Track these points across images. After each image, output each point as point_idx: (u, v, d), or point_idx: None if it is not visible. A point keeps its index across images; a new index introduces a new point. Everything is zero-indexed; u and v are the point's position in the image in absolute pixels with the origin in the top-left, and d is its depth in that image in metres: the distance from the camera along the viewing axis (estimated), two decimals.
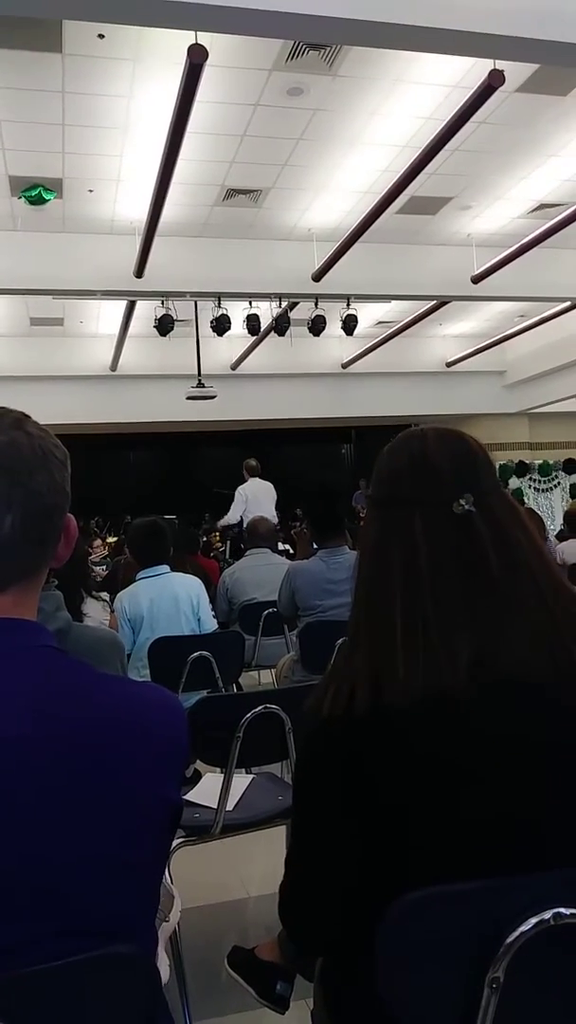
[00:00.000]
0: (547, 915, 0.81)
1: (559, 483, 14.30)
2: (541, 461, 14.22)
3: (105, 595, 3.43)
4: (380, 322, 10.97)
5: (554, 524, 11.27)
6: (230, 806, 2.11)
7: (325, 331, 8.72)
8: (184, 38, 4.40)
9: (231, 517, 8.32)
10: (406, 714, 0.90)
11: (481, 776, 0.90)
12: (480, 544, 0.97)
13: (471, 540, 0.97)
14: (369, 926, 0.82)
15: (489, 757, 0.91)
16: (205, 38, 4.43)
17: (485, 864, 0.88)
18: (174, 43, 4.58)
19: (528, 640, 0.93)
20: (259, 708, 2.01)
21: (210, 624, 3.49)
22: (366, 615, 1.00)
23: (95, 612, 3.04)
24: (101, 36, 4.70)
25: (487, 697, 0.91)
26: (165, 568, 3.38)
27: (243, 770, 2.42)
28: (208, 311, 8.51)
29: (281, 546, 7.91)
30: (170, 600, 3.32)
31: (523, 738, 0.91)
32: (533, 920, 0.81)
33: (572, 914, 0.81)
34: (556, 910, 0.81)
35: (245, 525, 5.95)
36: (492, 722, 0.91)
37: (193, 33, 4.35)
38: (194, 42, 4.40)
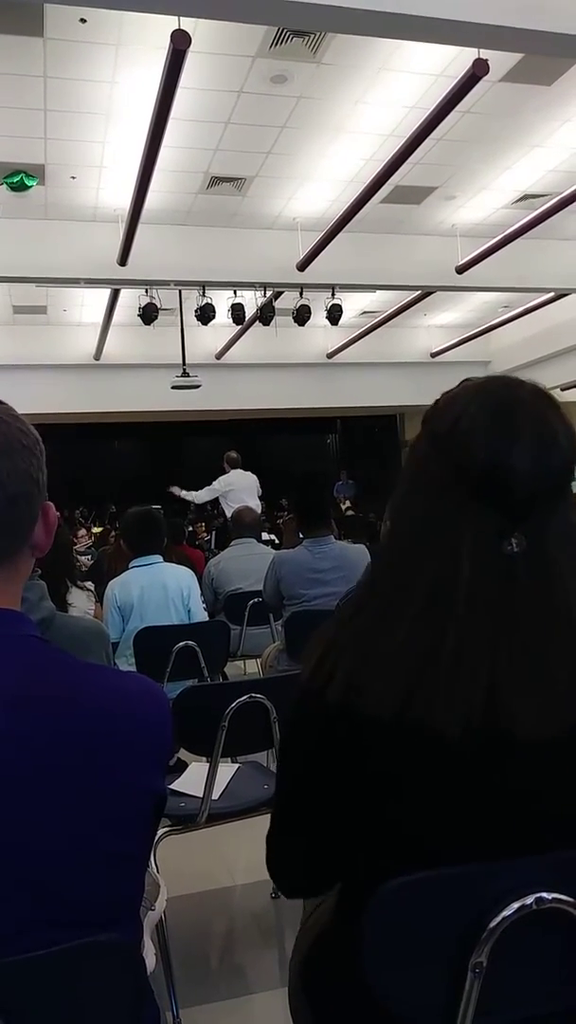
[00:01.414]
0: (529, 899, 0.82)
1: None
2: None
3: (90, 585, 3.42)
4: (365, 312, 10.96)
5: None
6: (216, 795, 2.11)
7: (310, 321, 8.71)
8: (167, 23, 4.36)
9: (197, 496, 8.35)
10: (375, 726, 0.86)
11: (468, 762, 0.89)
12: (519, 591, 0.88)
13: (511, 585, 0.88)
14: (354, 911, 0.83)
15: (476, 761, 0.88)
16: (188, 23, 4.39)
17: (478, 843, 0.88)
18: (157, 28, 4.54)
19: (542, 703, 0.85)
20: (244, 697, 2.01)
21: (200, 615, 3.49)
22: (377, 598, 0.93)
23: (80, 602, 3.03)
24: (83, 20, 4.65)
25: (484, 746, 0.86)
26: (158, 558, 3.38)
27: (229, 759, 2.43)
28: (192, 300, 8.48)
29: (266, 536, 7.92)
30: (160, 589, 3.32)
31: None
32: (515, 904, 0.81)
33: (554, 898, 0.82)
34: (538, 894, 0.82)
35: (230, 515, 5.95)
36: (481, 766, 0.87)
37: (176, 18, 4.31)
38: (177, 28, 4.36)
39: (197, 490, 8.49)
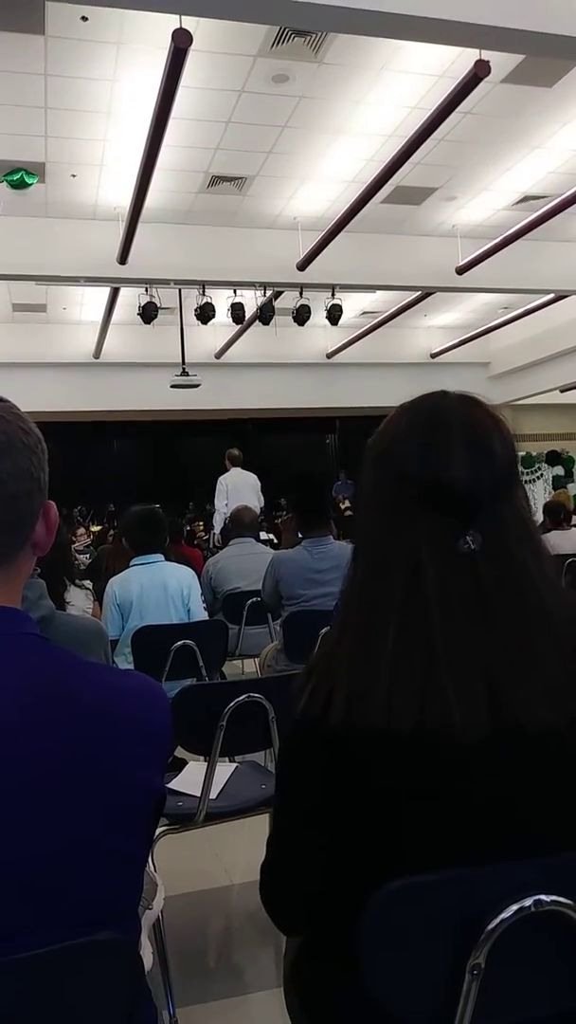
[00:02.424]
0: (527, 902, 0.82)
1: (542, 475, 14.39)
2: (524, 453, 14.28)
3: (88, 583, 3.41)
4: (365, 312, 10.96)
5: (536, 516, 11.34)
6: (213, 794, 2.11)
7: (310, 320, 8.71)
8: (168, 22, 4.36)
9: (218, 507, 8.37)
10: (390, 741, 0.86)
11: (473, 776, 0.89)
12: (487, 586, 0.89)
13: (477, 581, 0.89)
14: (352, 913, 0.83)
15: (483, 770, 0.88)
16: (190, 22, 4.39)
17: (480, 850, 0.87)
18: (158, 27, 4.53)
19: (540, 690, 0.87)
20: (243, 697, 2.01)
21: (200, 615, 3.48)
22: (357, 621, 0.94)
23: (78, 601, 3.03)
24: (84, 19, 4.65)
25: (494, 743, 0.86)
26: (159, 557, 3.38)
27: (226, 759, 2.43)
28: (192, 299, 8.47)
29: (264, 535, 7.93)
30: (159, 588, 3.32)
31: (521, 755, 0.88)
32: (514, 907, 0.81)
33: (552, 901, 0.82)
34: (536, 897, 0.82)
35: (228, 515, 5.97)
36: (495, 764, 0.87)
37: (177, 17, 4.31)
38: (178, 26, 4.37)
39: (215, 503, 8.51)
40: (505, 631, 0.89)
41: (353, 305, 10.09)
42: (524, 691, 0.87)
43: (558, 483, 14.10)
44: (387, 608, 0.90)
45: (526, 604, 0.90)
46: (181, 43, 4.41)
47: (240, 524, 4.73)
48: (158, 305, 8.28)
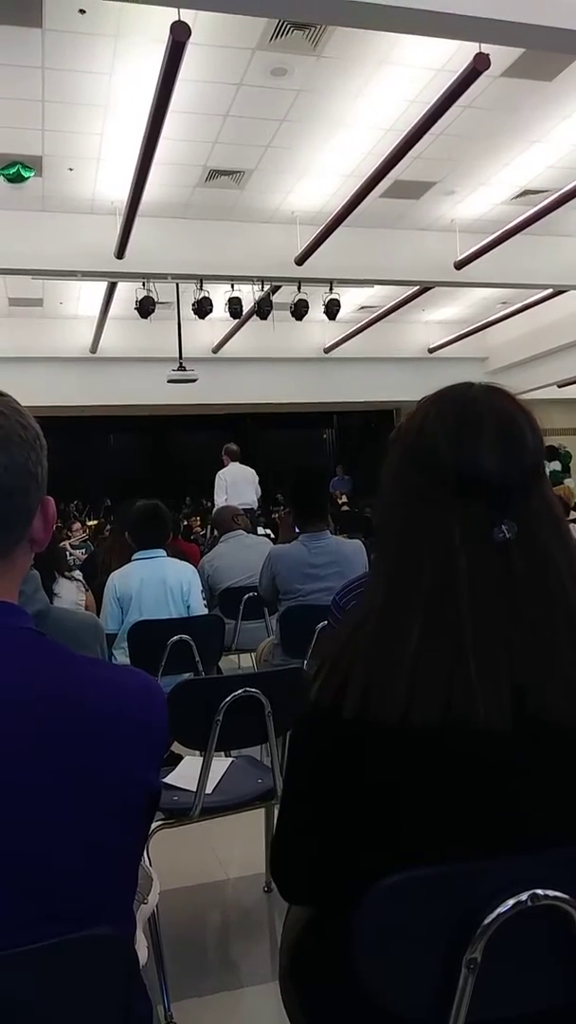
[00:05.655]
0: (524, 896, 0.81)
1: None
2: None
3: (78, 574, 3.41)
4: (363, 307, 10.95)
5: None
6: (209, 789, 2.11)
7: (308, 315, 8.69)
8: (166, 15, 4.34)
9: (218, 502, 8.40)
10: (408, 733, 0.85)
11: (482, 769, 0.88)
12: (516, 576, 0.89)
13: (508, 571, 0.89)
14: (352, 902, 0.82)
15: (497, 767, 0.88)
16: (188, 15, 4.37)
17: (494, 843, 0.87)
18: (156, 20, 4.51)
19: (561, 684, 0.87)
20: (239, 691, 2.01)
21: (200, 611, 3.48)
22: (380, 610, 0.93)
23: (68, 593, 3.02)
24: (82, 11, 4.62)
25: (520, 735, 0.86)
26: (161, 552, 3.39)
27: (222, 753, 2.43)
28: (190, 293, 8.45)
29: (262, 531, 7.94)
30: (158, 583, 3.33)
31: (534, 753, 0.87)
32: (510, 901, 0.81)
33: (548, 895, 0.82)
34: (533, 891, 0.82)
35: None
36: (514, 758, 0.87)
37: (176, 10, 4.28)
38: (177, 19, 4.34)
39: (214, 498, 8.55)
40: (529, 623, 0.88)
41: (351, 300, 10.07)
42: (546, 685, 0.87)
43: (556, 478, 14.09)
44: (413, 598, 0.90)
45: (551, 595, 0.90)
46: (179, 36, 4.39)
47: (224, 524, 4.75)
48: (155, 300, 8.26)
